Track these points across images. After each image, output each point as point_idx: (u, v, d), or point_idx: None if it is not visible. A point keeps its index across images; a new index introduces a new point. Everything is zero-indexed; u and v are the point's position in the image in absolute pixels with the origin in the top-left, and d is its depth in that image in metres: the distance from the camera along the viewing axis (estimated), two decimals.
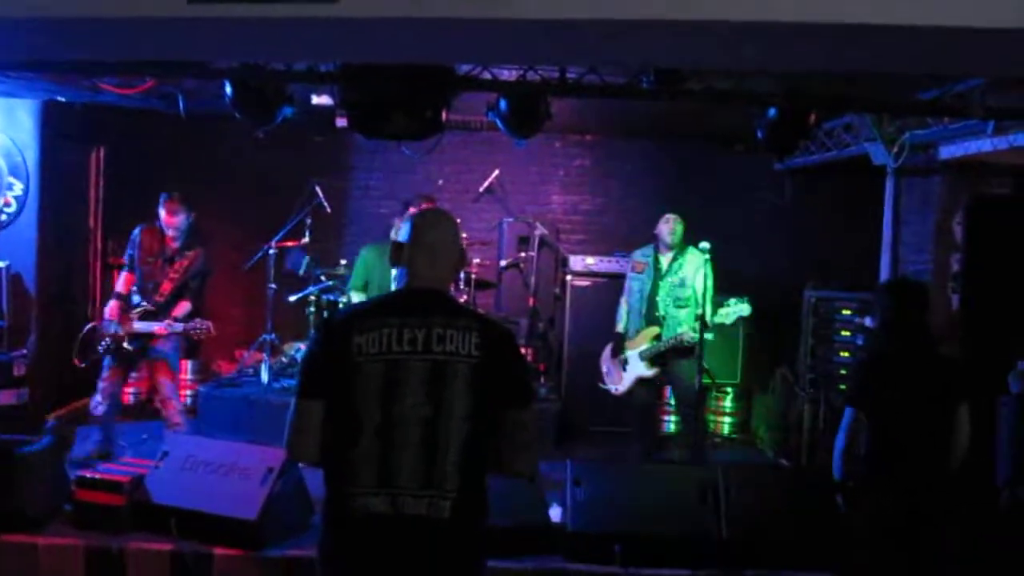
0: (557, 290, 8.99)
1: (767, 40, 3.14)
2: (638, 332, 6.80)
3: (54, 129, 8.13)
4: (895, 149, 6.89)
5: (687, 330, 6.47)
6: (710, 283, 6.41)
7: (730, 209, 6.88)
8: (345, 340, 2.97)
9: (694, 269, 6.58)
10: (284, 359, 8.60)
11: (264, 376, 8.22)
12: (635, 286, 6.94)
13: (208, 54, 4.48)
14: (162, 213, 6.57)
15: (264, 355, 8.30)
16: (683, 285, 6.66)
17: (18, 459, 5.10)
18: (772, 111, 5.62)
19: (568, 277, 8.69)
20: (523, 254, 8.74)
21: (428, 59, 4.33)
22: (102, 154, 9.02)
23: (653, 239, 6.96)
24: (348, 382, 2.95)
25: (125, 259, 6.75)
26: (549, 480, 5.17)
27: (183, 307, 6.54)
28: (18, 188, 8.01)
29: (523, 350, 8.48)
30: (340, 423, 2.97)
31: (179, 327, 6.42)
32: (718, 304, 6.38)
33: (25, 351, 7.53)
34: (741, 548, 4.79)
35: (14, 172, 8.00)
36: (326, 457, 3.00)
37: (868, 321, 7.43)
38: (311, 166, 8.94)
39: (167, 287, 6.54)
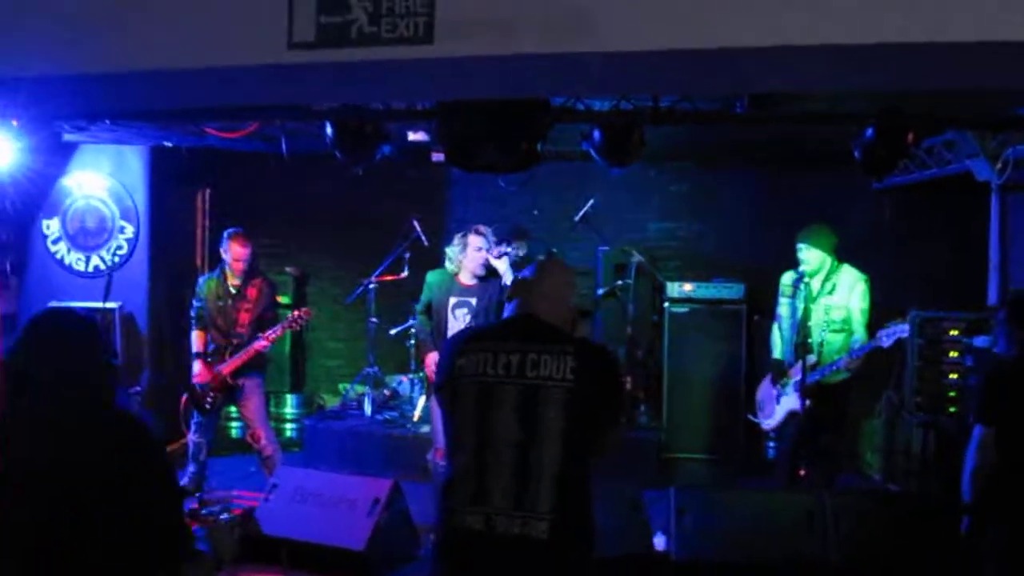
0: (655, 317, 8.95)
1: (863, 63, 3.11)
2: (793, 362, 6.33)
3: (162, 173, 8.44)
4: (999, 165, 6.71)
5: (844, 359, 6.06)
6: (867, 304, 6.14)
7: None
8: (451, 361, 3.11)
9: (848, 289, 6.21)
10: (386, 391, 8.74)
11: (367, 408, 8.37)
12: (785, 311, 6.44)
13: (308, 98, 4.62)
14: (232, 247, 6.71)
15: (367, 388, 8.45)
16: (837, 308, 6.21)
17: None
18: (869, 131, 5.52)
19: (666, 304, 8.65)
20: (620, 282, 8.73)
21: (520, 94, 4.39)
22: (207, 195, 9.33)
23: (797, 263, 6.40)
24: (452, 402, 3.08)
25: (193, 314, 6.87)
26: (653, 508, 5.14)
27: (274, 331, 6.69)
28: (129, 231, 8.32)
29: (622, 378, 8.47)
30: (448, 440, 3.12)
31: (277, 330, 6.58)
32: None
33: (139, 388, 7.80)
34: (851, 574, 4.69)
35: (125, 216, 8.33)
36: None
37: (977, 341, 7.22)
38: (408, 201, 9.08)
39: (245, 318, 6.70)
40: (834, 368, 6.10)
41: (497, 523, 2.94)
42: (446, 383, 3.17)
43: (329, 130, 5.63)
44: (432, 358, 6.50)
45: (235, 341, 6.64)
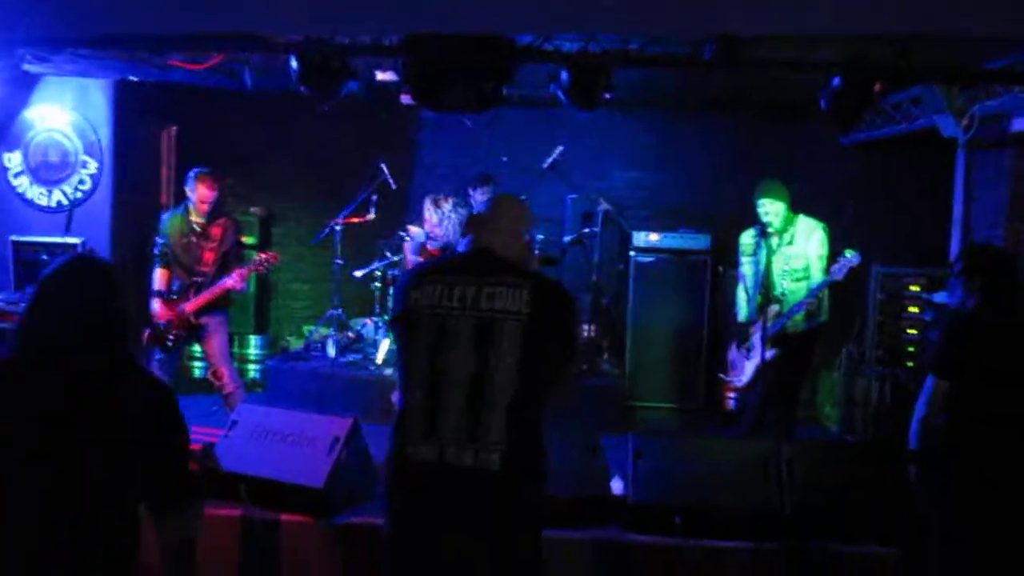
0: (621, 266, 8.98)
1: (833, 4, 3.09)
2: (758, 315, 6.35)
3: (127, 108, 8.32)
4: (965, 121, 6.74)
5: (804, 301, 6.10)
6: (825, 251, 6.18)
7: (795, 185, 6.80)
8: (406, 294, 3.13)
9: (805, 238, 6.27)
10: (351, 334, 8.73)
11: (331, 351, 8.35)
12: (748, 270, 6.50)
13: (273, 26, 4.55)
14: (199, 188, 6.58)
15: (331, 330, 8.43)
16: (797, 257, 6.27)
17: None
18: (836, 80, 5.52)
19: (632, 253, 8.68)
20: (587, 230, 8.73)
21: (489, 28, 4.34)
22: (173, 132, 9.22)
23: (756, 220, 6.42)
24: (407, 335, 3.10)
25: (156, 251, 6.76)
26: (612, 454, 5.18)
27: (239, 272, 6.63)
28: (92, 166, 8.22)
29: (587, 326, 8.50)
30: (402, 373, 3.13)
31: (243, 271, 6.54)
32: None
33: None
34: (804, 522, 4.75)
35: (89, 151, 8.22)
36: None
37: (937, 297, 7.31)
38: (376, 143, 9.02)
39: (209, 256, 6.61)
40: (796, 311, 6.16)
41: (448, 454, 2.97)
42: (401, 315, 3.19)
43: (294, 64, 5.56)
44: None
45: (199, 280, 6.58)
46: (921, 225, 8.45)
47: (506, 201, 3.45)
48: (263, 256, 6.76)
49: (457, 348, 3.04)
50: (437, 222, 7.58)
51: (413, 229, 7.82)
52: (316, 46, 5.35)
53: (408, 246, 7.84)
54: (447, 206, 7.58)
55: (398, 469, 3.09)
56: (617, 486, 5.10)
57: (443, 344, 3.06)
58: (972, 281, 4.25)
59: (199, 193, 6.59)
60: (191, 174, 6.64)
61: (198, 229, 6.65)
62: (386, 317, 8.14)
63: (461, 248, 3.33)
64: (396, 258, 8.32)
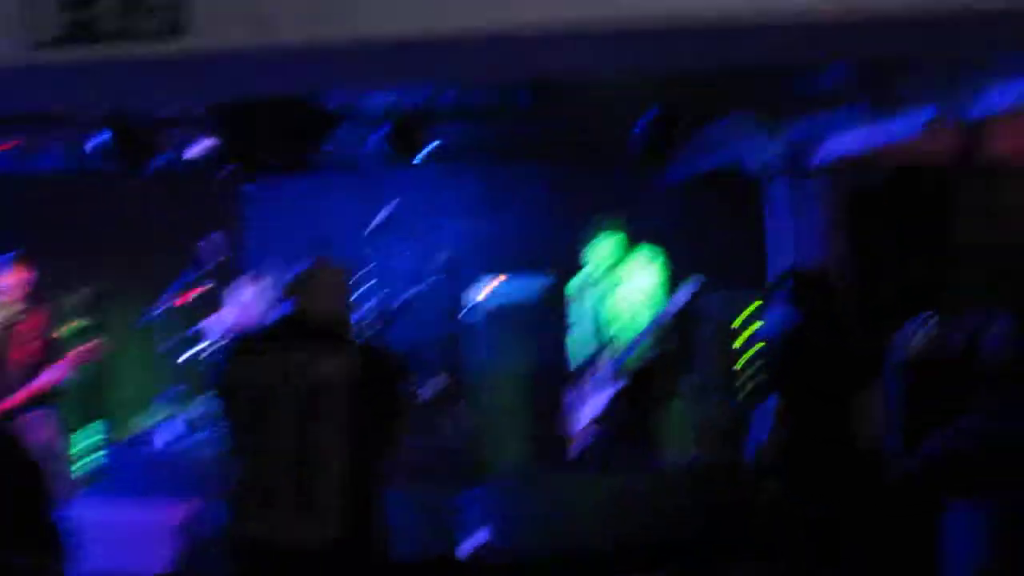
0: (461, 319, 8.94)
1: (641, 41, 3.15)
2: (593, 359, 6.46)
3: None
4: (775, 151, 7.02)
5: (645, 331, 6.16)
6: (661, 281, 6.27)
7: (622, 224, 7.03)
8: (224, 367, 3.04)
9: (641, 272, 6.35)
10: (188, 417, 8.42)
11: (170, 434, 8.05)
12: (582, 313, 6.58)
13: (64, 102, 4.36)
14: (16, 279, 6.21)
15: (167, 414, 8.14)
16: (631, 293, 6.33)
17: None
18: (648, 117, 5.67)
19: (470, 305, 8.66)
20: (424, 284, 8.68)
21: (288, 89, 4.30)
22: None
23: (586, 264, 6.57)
24: (230, 409, 2.99)
25: None
26: (467, 511, 5.11)
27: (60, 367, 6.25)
28: None
29: (429, 382, 8.42)
30: (228, 450, 3.02)
31: (67, 361, 6.19)
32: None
33: None
34: (656, 551, 4.78)
35: None
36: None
37: (765, 320, 7.54)
38: (198, 220, 8.75)
39: (17, 355, 6.20)
40: (638, 343, 6.22)
41: (280, 528, 2.87)
42: (220, 390, 3.09)
43: (99, 139, 5.34)
44: None
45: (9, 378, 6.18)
46: (742, 255, 8.72)
47: (323, 265, 3.37)
48: (84, 348, 6.41)
49: (280, 418, 2.95)
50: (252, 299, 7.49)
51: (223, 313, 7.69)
52: (120, 120, 5.19)
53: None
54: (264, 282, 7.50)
55: (231, 547, 2.97)
56: (471, 543, 5.04)
57: (267, 415, 2.97)
58: (792, 302, 4.40)
59: (9, 282, 6.21)
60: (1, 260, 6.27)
61: (7, 322, 6.26)
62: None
63: (278, 313, 3.24)
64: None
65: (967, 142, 5.78)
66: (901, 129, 5.83)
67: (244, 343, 3.19)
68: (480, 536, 5.02)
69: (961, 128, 5.59)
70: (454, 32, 3.06)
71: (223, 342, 7.82)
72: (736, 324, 7.85)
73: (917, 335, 4.14)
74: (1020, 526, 2.73)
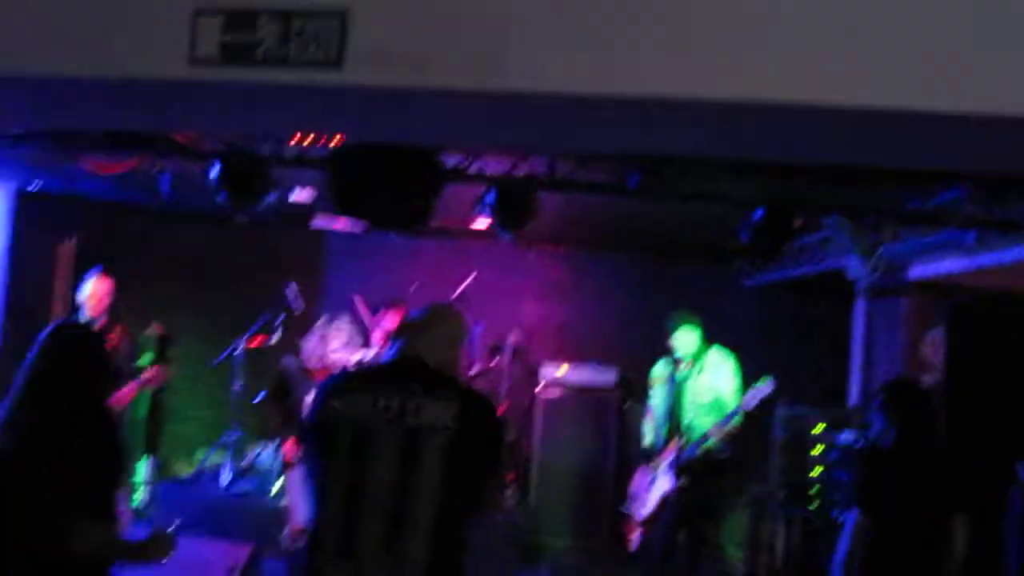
0: (527, 400, 8.88)
1: (764, 122, 3.09)
2: (665, 445, 6.36)
3: (26, 217, 8.06)
4: (871, 264, 6.95)
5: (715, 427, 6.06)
6: (737, 381, 6.20)
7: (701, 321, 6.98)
8: (325, 402, 2.96)
9: (716, 369, 6.30)
10: (246, 462, 8.40)
11: (225, 478, 8.02)
12: (657, 401, 6.53)
13: (205, 124, 4.43)
14: (99, 287, 6.35)
15: (226, 456, 8.11)
16: (707, 388, 6.28)
17: None
18: (758, 212, 5.67)
19: (539, 387, 8.60)
20: (493, 363, 8.66)
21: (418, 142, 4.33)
22: (73, 244, 8.92)
23: (669, 351, 6.51)
24: (322, 447, 2.92)
25: None
26: None
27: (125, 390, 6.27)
28: None
29: (504, 430, 8.32)
30: (315, 490, 2.94)
31: (130, 389, 6.27)
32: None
33: None
34: None
35: None
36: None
37: (841, 437, 7.37)
38: (282, 266, 8.88)
39: None
40: (706, 440, 6.12)
41: (366, 574, 2.78)
42: (317, 426, 3.01)
43: (215, 170, 5.43)
44: None
45: None
46: (822, 368, 8.60)
47: (441, 309, 3.34)
48: (149, 374, 6.44)
49: (379, 461, 2.85)
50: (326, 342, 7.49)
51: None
52: (237, 155, 5.27)
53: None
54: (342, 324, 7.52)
55: None
56: None
57: (364, 457, 2.87)
58: (891, 415, 4.29)
59: (97, 295, 6.28)
60: (86, 276, 6.37)
61: None
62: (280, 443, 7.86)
63: (388, 355, 3.19)
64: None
65: None
66: (1008, 253, 5.74)
67: (352, 378, 3.12)
68: None
69: None
70: (608, 93, 2.96)
71: (304, 383, 7.84)
72: (812, 434, 7.67)
73: None
74: None
